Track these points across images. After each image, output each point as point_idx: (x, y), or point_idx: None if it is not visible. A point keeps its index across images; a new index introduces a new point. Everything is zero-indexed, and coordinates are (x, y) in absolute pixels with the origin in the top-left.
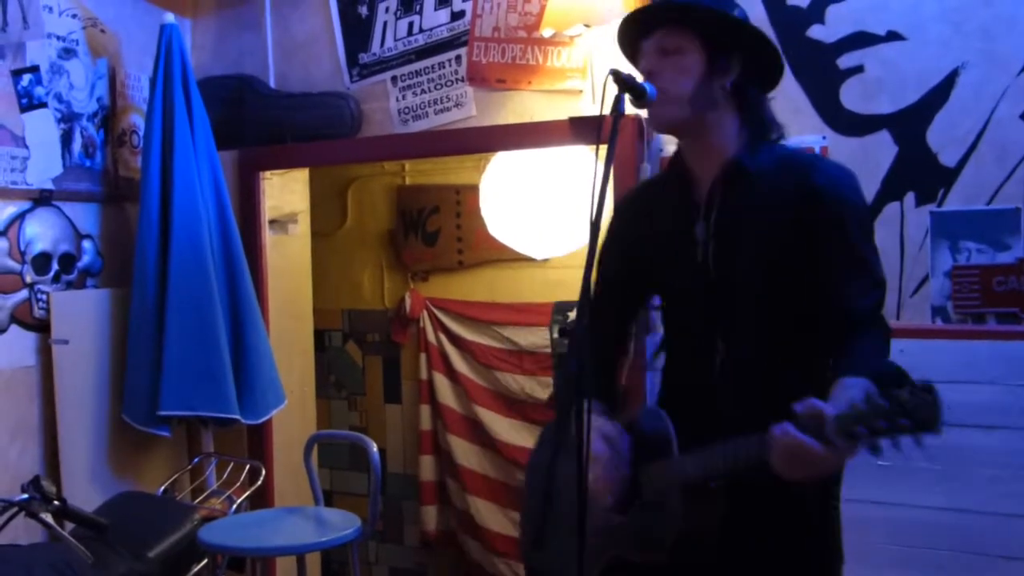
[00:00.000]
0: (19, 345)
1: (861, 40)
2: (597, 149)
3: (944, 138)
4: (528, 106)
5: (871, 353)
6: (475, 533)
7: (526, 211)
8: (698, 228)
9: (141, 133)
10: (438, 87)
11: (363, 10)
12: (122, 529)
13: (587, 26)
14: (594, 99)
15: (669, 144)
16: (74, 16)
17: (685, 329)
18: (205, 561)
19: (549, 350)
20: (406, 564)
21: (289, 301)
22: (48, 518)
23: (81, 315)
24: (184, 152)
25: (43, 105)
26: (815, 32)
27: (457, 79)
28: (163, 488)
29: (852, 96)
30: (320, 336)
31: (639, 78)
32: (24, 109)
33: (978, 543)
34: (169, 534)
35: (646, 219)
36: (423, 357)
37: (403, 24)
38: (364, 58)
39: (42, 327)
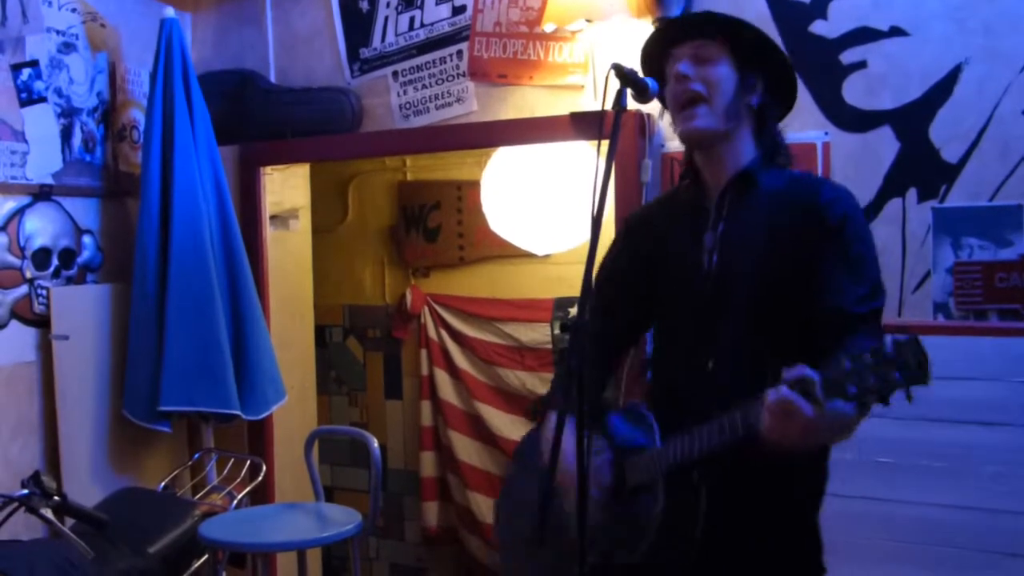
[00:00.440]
0: (19, 341)
1: (864, 36)
2: (599, 145)
3: (947, 134)
4: (529, 101)
5: (860, 345)
6: (476, 529)
7: (527, 207)
8: (707, 236)
9: (141, 128)
10: (439, 82)
11: (364, 5)
12: (122, 525)
13: (589, 21)
14: (595, 94)
15: (671, 140)
16: (74, 10)
17: (681, 334)
18: (205, 557)
19: (550, 346)
20: (407, 560)
21: (290, 297)
22: (48, 514)
23: (81, 311)
24: (184, 147)
25: (43, 100)
26: (817, 27)
27: (458, 74)
28: (163, 484)
29: (854, 92)
30: (321, 332)
31: (640, 73)
32: (24, 104)
33: (980, 540)
34: (169, 530)
35: (658, 232)
36: (424, 353)
37: (404, 19)
38: (365, 53)
39: (42, 323)
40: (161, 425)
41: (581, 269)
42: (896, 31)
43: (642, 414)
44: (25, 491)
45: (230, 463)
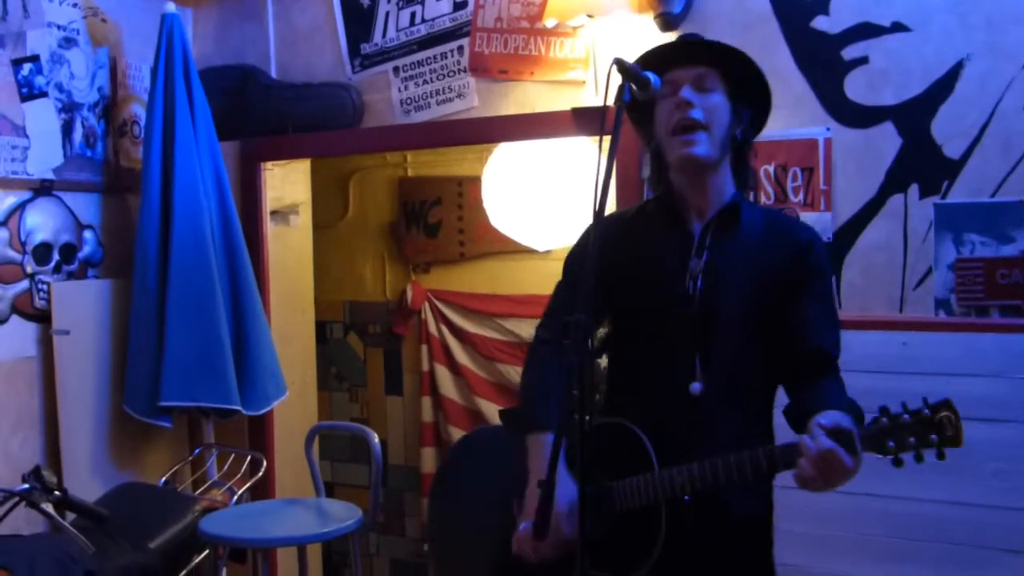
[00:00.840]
0: (20, 336)
1: (866, 31)
2: (600, 140)
3: (949, 130)
4: (530, 97)
5: (843, 393)
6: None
7: (528, 203)
8: (692, 263)
9: (142, 123)
10: (440, 78)
11: (365, 0)
12: (123, 520)
13: (590, 16)
14: (597, 90)
15: None
16: (75, 5)
17: (659, 357)
18: (206, 552)
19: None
20: (407, 556)
21: (290, 292)
22: (49, 509)
23: (82, 306)
24: (185, 142)
25: (44, 95)
26: (819, 23)
27: (459, 69)
28: (164, 479)
29: (856, 87)
30: (321, 328)
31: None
32: (24, 99)
33: (981, 536)
34: (170, 525)
35: (631, 243)
36: (424, 349)
37: (405, 14)
38: (366, 48)
39: (43, 318)
40: (162, 420)
41: None
42: (898, 27)
43: (633, 434)
44: (26, 486)
45: (231, 459)
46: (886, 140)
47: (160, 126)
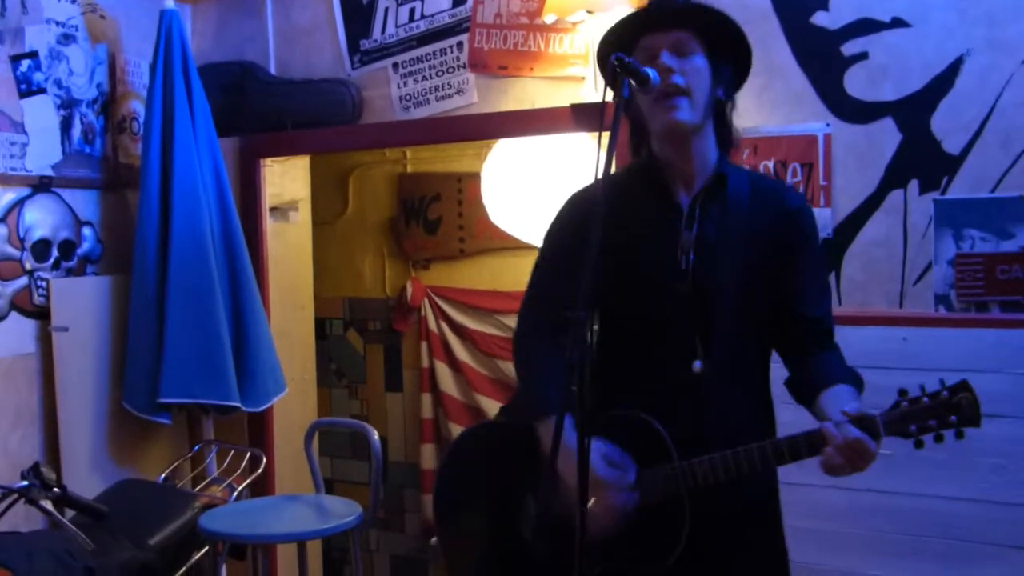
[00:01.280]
0: (19, 332)
1: (865, 27)
2: (599, 136)
3: (948, 125)
4: (530, 93)
5: (843, 363)
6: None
7: (528, 199)
8: (683, 236)
9: (141, 119)
10: (440, 74)
11: None
12: (122, 517)
13: (589, 12)
14: (596, 86)
15: None
16: (73, 1)
17: (655, 336)
18: (206, 548)
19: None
20: (407, 552)
21: (290, 289)
22: (48, 505)
23: (81, 302)
24: (184, 139)
25: (42, 91)
26: (819, 19)
27: (459, 66)
28: (164, 476)
29: (856, 83)
30: (321, 324)
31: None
32: (23, 95)
33: (982, 532)
34: (170, 521)
35: (620, 216)
36: (424, 345)
37: (404, 10)
38: (365, 44)
39: (42, 314)
40: (161, 417)
41: None
42: (898, 22)
43: (650, 426)
44: (25, 482)
45: (230, 455)
46: (886, 136)
47: (159, 122)
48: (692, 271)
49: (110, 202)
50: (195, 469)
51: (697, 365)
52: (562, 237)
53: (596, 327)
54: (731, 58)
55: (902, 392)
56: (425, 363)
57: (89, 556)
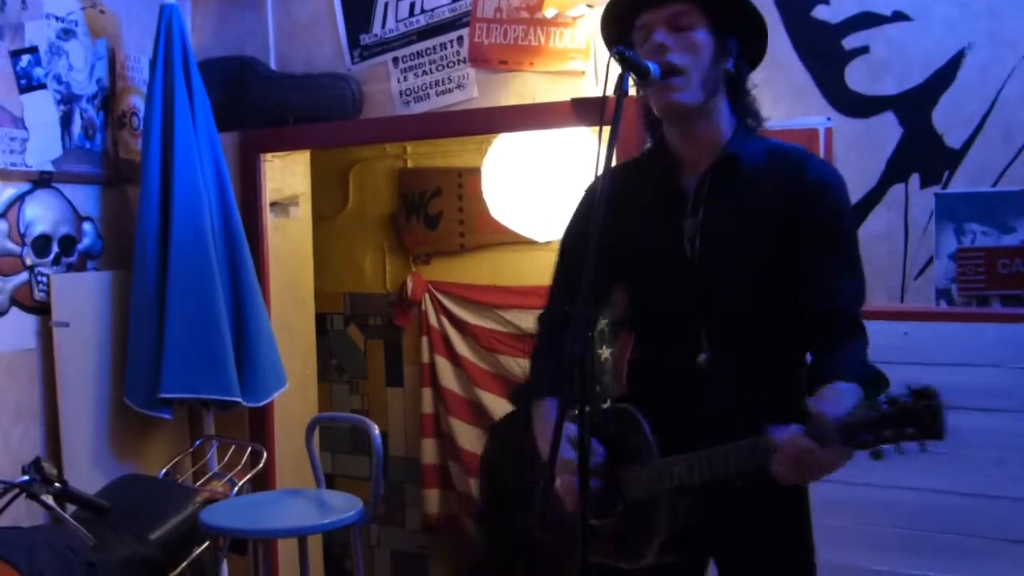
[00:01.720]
0: (19, 328)
1: (867, 20)
2: (600, 130)
3: (950, 119)
4: (530, 87)
5: (857, 357)
6: (477, 516)
7: (528, 194)
8: (687, 222)
9: (141, 115)
10: (440, 68)
11: None
12: (123, 511)
13: (590, 7)
14: (597, 80)
15: None
16: None
17: (663, 325)
18: (207, 543)
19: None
20: (408, 547)
21: (290, 284)
22: (49, 500)
23: (82, 297)
24: (184, 134)
25: (42, 86)
26: (820, 12)
27: (459, 60)
28: (164, 471)
29: (857, 77)
30: (321, 319)
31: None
32: (23, 90)
33: (983, 526)
34: (171, 517)
35: (626, 206)
36: (425, 340)
37: (404, 5)
38: (365, 39)
39: (42, 309)
40: (162, 412)
41: None
42: (899, 16)
43: (636, 420)
44: (26, 477)
45: (231, 450)
46: (887, 130)
47: (159, 118)
48: (697, 259)
49: (110, 197)
50: (196, 464)
51: (702, 357)
52: (574, 228)
53: (605, 321)
54: (739, 28)
55: (868, 397)
56: (426, 358)
57: (90, 551)
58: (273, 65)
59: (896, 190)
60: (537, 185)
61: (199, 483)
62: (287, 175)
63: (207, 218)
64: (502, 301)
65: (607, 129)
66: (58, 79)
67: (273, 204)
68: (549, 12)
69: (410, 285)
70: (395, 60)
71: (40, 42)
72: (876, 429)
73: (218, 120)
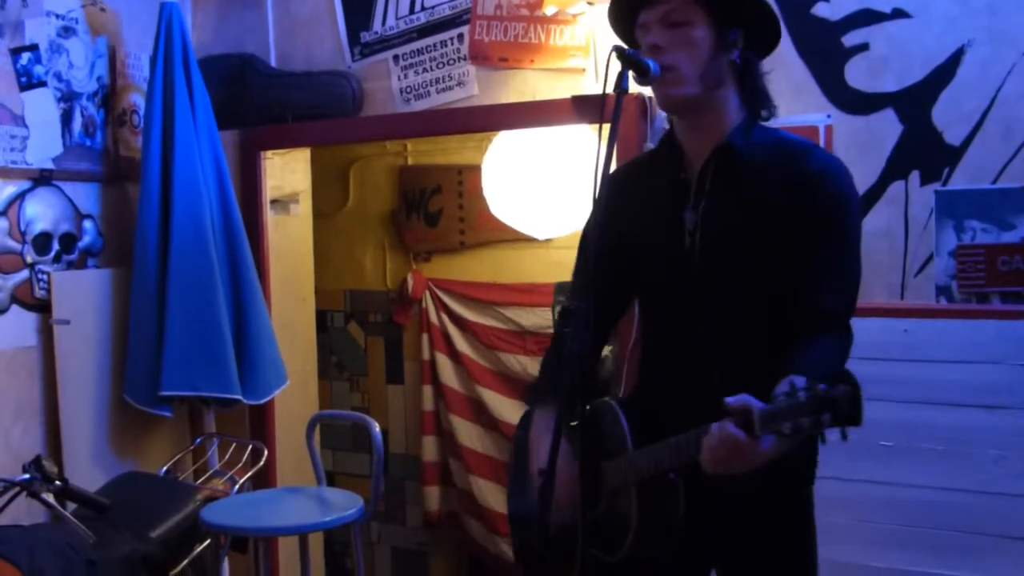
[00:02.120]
0: (20, 325)
1: (866, 18)
2: (600, 128)
3: (950, 116)
4: (531, 85)
5: (826, 355)
6: (477, 513)
7: (529, 191)
8: (687, 215)
9: (142, 112)
10: (440, 66)
11: None
12: (124, 509)
13: (590, 4)
14: (597, 78)
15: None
16: None
17: (664, 321)
18: (208, 541)
19: (552, 330)
20: (408, 544)
21: (291, 281)
22: (50, 498)
23: (82, 295)
24: (185, 131)
25: (42, 84)
26: (820, 9)
27: (459, 58)
28: (165, 468)
29: (857, 74)
30: (322, 316)
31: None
32: (23, 88)
33: (983, 523)
34: (171, 514)
35: (633, 201)
36: (425, 338)
37: (405, 2)
38: (366, 37)
39: (43, 307)
40: (162, 410)
41: None
42: (899, 13)
43: (614, 413)
44: (26, 476)
45: (232, 448)
46: (887, 127)
47: (159, 115)
48: (697, 252)
49: (111, 195)
50: (197, 462)
51: (705, 352)
52: (591, 224)
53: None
54: (742, 18)
55: (789, 384)
56: (426, 355)
57: (91, 549)
58: (273, 62)
59: (896, 187)
60: (537, 183)
61: (200, 481)
62: (287, 172)
63: (207, 216)
64: (502, 298)
65: (607, 126)
66: (58, 77)
67: (273, 201)
68: (549, 10)
69: (410, 282)
70: (395, 57)
71: (40, 40)
72: (794, 417)
73: (218, 117)
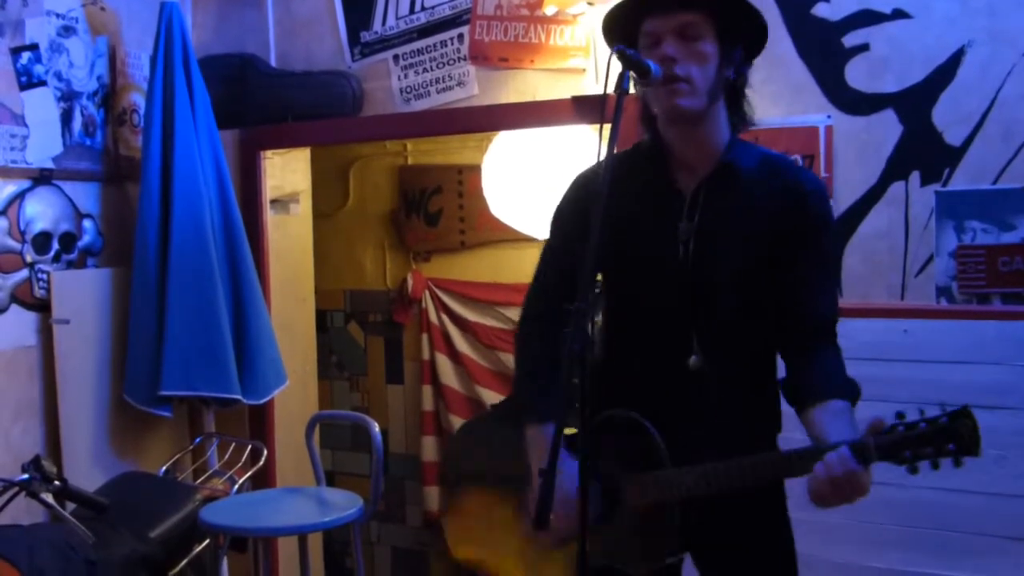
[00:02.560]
0: (20, 325)
1: (867, 18)
2: (600, 128)
3: (950, 117)
4: (531, 85)
5: (840, 369)
6: None
7: (529, 191)
8: (682, 226)
9: (142, 112)
10: (440, 66)
11: None
12: (123, 509)
13: (590, 4)
14: (597, 78)
15: None
16: None
17: (648, 329)
18: (207, 541)
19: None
20: (408, 544)
21: (291, 281)
22: (49, 498)
23: (82, 295)
24: (185, 131)
25: (43, 83)
26: (820, 10)
27: (459, 58)
28: (164, 468)
29: (857, 74)
30: (322, 316)
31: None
32: (23, 87)
33: (983, 524)
34: (171, 514)
35: (618, 200)
36: (425, 337)
37: (405, 2)
38: (366, 36)
39: (43, 307)
40: (162, 409)
41: None
42: (899, 13)
43: (642, 425)
44: (26, 475)
45: (231, 447)
46: (887, 127)
47: (159, 115)
48: (691, 263)
49: (111, 194)
50: (196, 462)
51: (693, 360)
52: (563, 224)
53: (598, 318)
54: (742, 36)
55: (899, 416)
56: (426, 355)
57: (90, 549)
58: (273, 62)
59: (896, 188)
60: (537, 183)
61: (199, 481)
62: (287, 172)
63: (207, 215)
64: (502, 298)
65: (608, 127)
66: (59, 76)
67: (273, 201)
68: (549, 10)
69: (410, 282)
70: (395, 57)
71: (41, 39)
72: (916, 447)
73: (218, 117)
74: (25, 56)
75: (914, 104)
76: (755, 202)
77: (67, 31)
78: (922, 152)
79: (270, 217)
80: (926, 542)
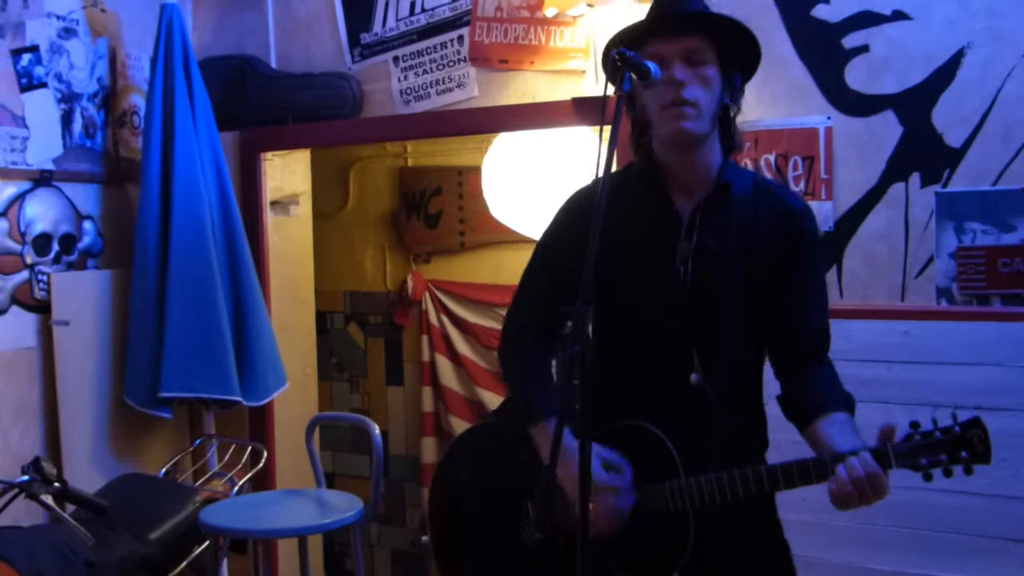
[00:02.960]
0: (20, 326)
1: (866, 19)
2: (600, 130)
3: (950, 118)
4: (531, 87)
5: (837, 383)
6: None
7: (529, 193)
8: (681, 246)
9: (142, 113)
10: (440, 67)
11: None
12: (123, 511)
13: (590, 6)
14: (597, 80)
15: None
16: None
17: (649, 347)
18: (207, 543)
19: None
20: (408, 546)
21: (291, 283)
22: (49, 500)
23: (82, 296)
24: (185, 133)
25: (43, 85)
26: (820, 11)
27: (459, 59)
28: (164, 470)
29: (857, 76)
30: (322, 318)
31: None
32: (24, 89)
33: (983, 525)
34: (170, 516)
35: (615, 226)
36: (425, 339)
37: (405, 4)
38: (366, 38)
39: (43, 308)
40: (162, 411)
41: None
42: (899, 15)
43: (658, 438)
44: (26, 477)
45: (231, 449)
46: (887, 129)
47: (160, 116)
48: (690, 282)
49: (111, 196)
50: (196, 463)
51: (694, 377)
52: (556, 240)
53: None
54: (741, 64)
55: (914, 424)
56: (426, 357)
57: (90, 550)
58: (273, 64)
59: (896, 189)
60: (537, 184)
61: (199, 482)
62: (287, 174)
63: (207, 217)
64: (502, 300)
65: (608, 128)
66: (59, 78)
67: (273, 203)
68: (549, 11)
69: (410, 284)
70: (395, 59)
71: (41, 41)
72: (931, 454)
73: (218, 119)
74: (25, 58)
75: (914, 105)
76: (751, 222)
77: (67, 33)
78: (922, 153)
79: (270, 219)
80: (926, 544)
